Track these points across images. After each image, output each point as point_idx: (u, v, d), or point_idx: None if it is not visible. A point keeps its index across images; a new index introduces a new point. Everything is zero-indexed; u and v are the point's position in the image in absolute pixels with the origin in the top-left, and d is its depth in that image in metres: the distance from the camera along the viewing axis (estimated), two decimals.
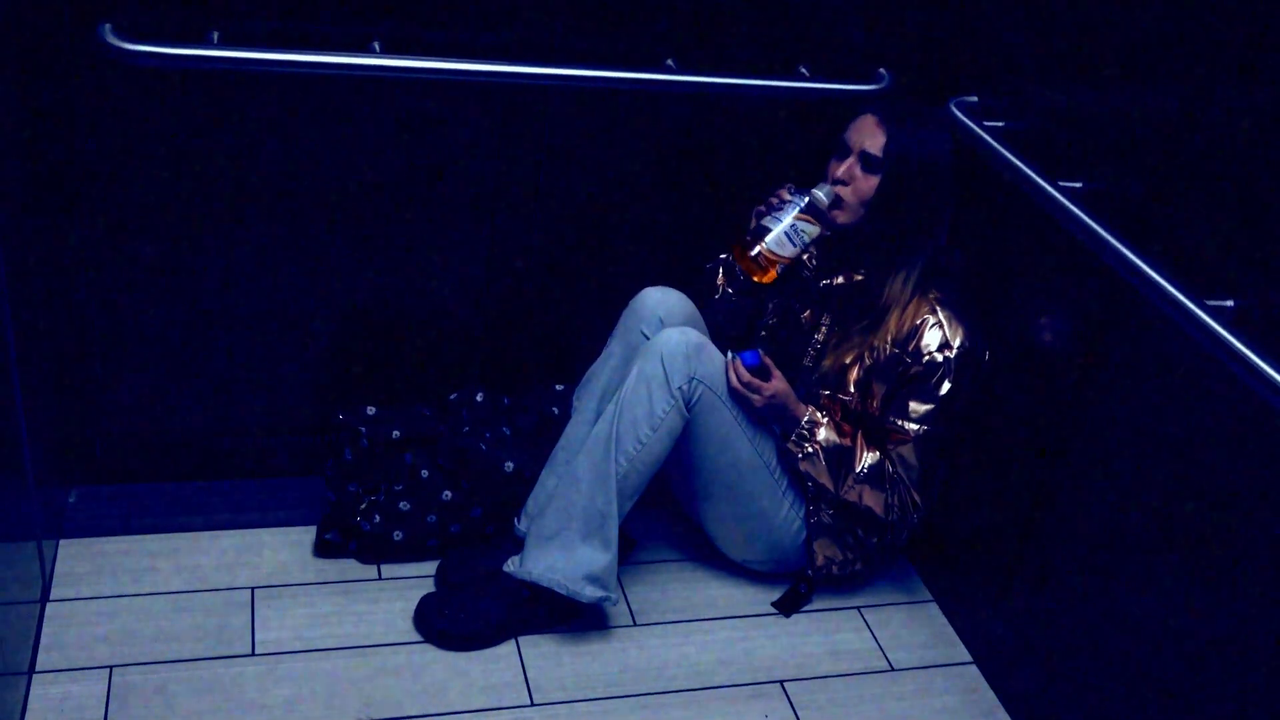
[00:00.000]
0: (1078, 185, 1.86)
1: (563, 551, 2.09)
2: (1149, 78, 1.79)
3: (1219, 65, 1.66)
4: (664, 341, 2.10)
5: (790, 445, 2.12)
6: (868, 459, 2.10)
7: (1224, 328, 1.51)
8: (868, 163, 2.05)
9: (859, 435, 2.13)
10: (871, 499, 2.12)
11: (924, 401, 2.07)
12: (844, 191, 2.08)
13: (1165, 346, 1.75)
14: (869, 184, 2.05)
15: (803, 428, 2.12)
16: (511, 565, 2.12)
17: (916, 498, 2.12)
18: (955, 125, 2.09)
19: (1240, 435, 1.63)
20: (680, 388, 2.07)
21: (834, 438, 2.11)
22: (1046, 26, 2.03)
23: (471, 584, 2.15)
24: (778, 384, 2.12)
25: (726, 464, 2.16)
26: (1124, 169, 1.83)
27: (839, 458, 2.11)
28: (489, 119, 2.22)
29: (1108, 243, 1.71)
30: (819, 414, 2.13)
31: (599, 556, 2.09)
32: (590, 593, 2.09)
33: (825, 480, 2.12)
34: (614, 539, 2.09)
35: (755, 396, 2.10)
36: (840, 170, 2.07)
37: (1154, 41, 1.78)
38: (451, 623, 2.08)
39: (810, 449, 2.11)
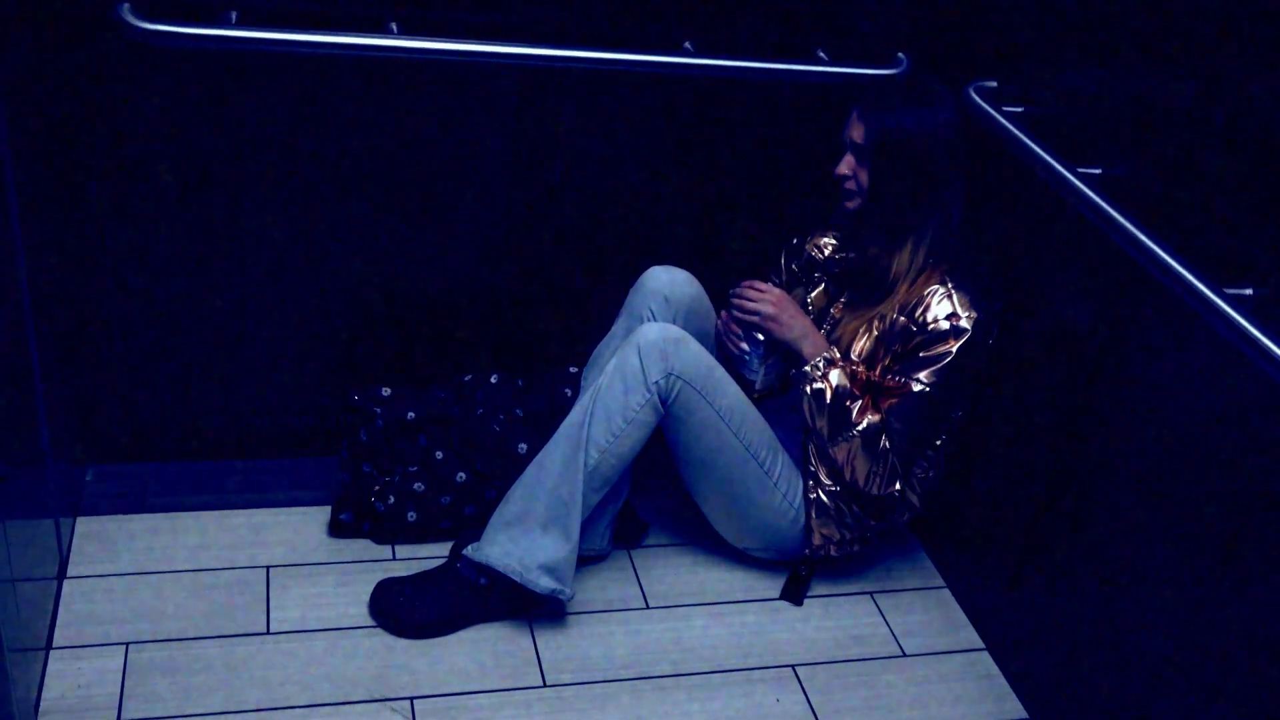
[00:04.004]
0: (1096, 171, 1.85)
1: (522, 538, 2.07)
2: (1169, 63, 1.78)
3: (1239, 50, 1.65)
4: (643, 335, 2.10)
5: (799, 372, 2.12)
6: (869, 419, 2.09)
7: (1242, 316, 1.50)
8: (859, 153, 2.08)
9: (867, 396, 2.12)
10: (859, 462, 2.10)
11: (926, 365, 2.06)
12: (850, 185, 2.12)
13: (1183, 334, 1.75)
14: (865, 174, 2.09)
15: (818, 360, 2.11)
16: (471, 548, 2.11)
17: (899, 468, 2.10)
18: (973, 110, 2.08)
19: (1258, 424, 1.62)
20: (656, 382, 2.07)
21: (845, 383, 2.10)
22: (1066, 11, 2.02)
23: (430, 570, 2.14)
24: (783, 298, 2.17)
25: (712, 458, 2.16)
26: (1143, 155, 1.82)
27: (842, 406, 2.09)
28: (505, 101, 2.22)
29: (1126, 229, 1.70)
30: (838, 356, 2.13)
31: (558, 547, 2.07)
32: (545, 583, 2.07)
33: (822, 425, 2.11)
34: (575, 531, 2.08)
35: (763, 305, 2.15)
36: (840, 167, 2.11)
37: (1174, 26, 1.76)
38: (407, 609, 2.07)
39: (820, 386, 2.10)
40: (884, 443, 2.08)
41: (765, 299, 2.17)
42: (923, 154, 2.04)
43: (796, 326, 2.15)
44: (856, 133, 2.07)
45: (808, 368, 2.12)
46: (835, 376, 2.10)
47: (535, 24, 2.14)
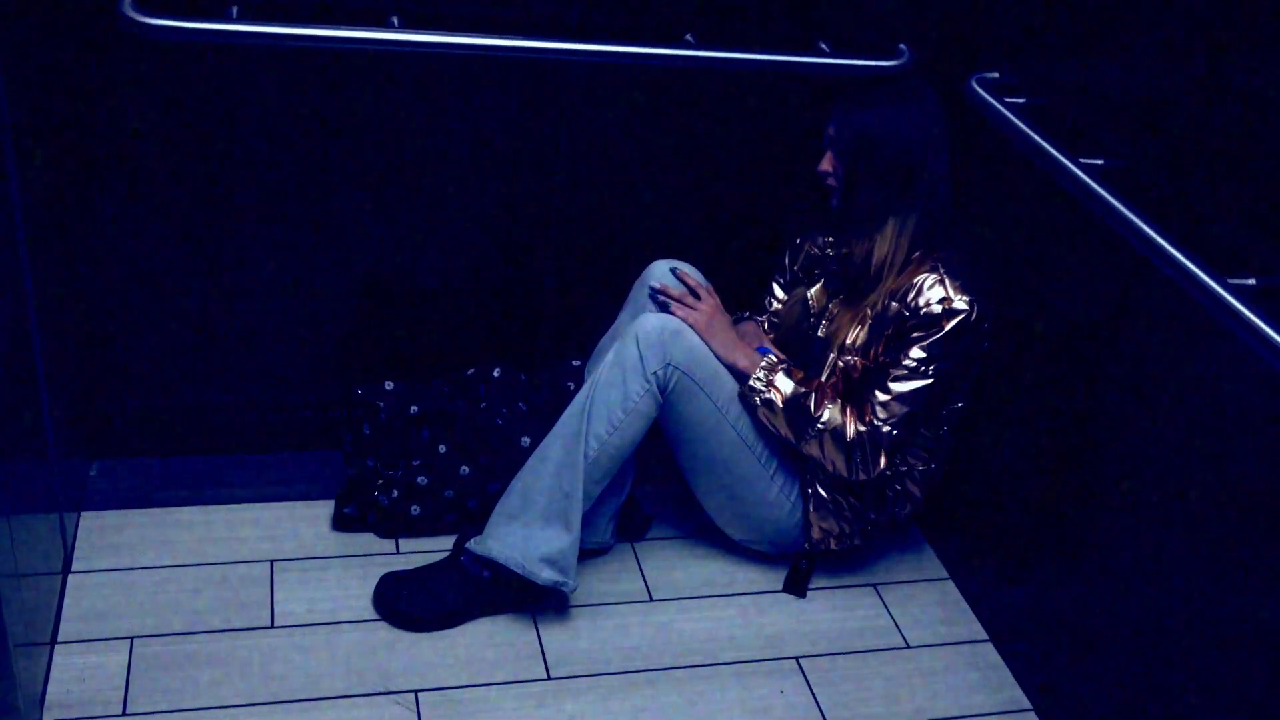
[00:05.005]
0: (1099, 162, 1.85)
1: (523, 531, 2.08)
2: (1171, 53, 1.78)
3: (1242, 40, 1.64)
4: (641, 326, 2.10)
5: (745, 389, 2.13)
6: (828, 412, 2.08)
7: (1246, 305, 1.50)
8: (834, 150, 2.11)
9: (822, 388, 2.12)
10: (835, 455, 2.10)
11: (920, 349, 2.05)
12: (831, 181, 2.14)
13: (1187, 324, 1.75)
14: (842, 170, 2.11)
15: (759, 373, 2.13)
16: (473, 541, 2.12)
17: (883, 458, 2.09)
18: (976, 102, 2.07)
19: (1261, 413, 1.62)
20: (655, 373, 2.08)
21: (792, 384, 2.11)
22: (1068, 2, 2.01)
23: (434, 563, 2.15)
24: (716, 310, 2.18)
25: (710, 449, 2.17)
26: (1146, 146, 1.82)
27: (799, 405, 2.10)
28: (507, 95, 2.22)
29: (1129, 220, 1.69)
30: (775, 360, 2.15)
31: (559, 539, 2.08)
32: (547, 575, 2.07)
33: (786, 431, 2.12)
34: (576, 523, 2.08)
35: (696, 317, 2.14)
36: (822, 164, 2.14)
37: (1177, 16, 1.76)
38: (409, 603, 2.08)
39: (769, 396, 2.11)
40: (853, 429, 2.07)
41: (696, 313, 2.16)
42: (891, 149, 2.04)
43: (725, 342, 2.15)
44: (832, 130, 2.10)
45: (752, 382, 2.13)
46: (781, 381, 2.11)
47: (536, 17, 2.14)
